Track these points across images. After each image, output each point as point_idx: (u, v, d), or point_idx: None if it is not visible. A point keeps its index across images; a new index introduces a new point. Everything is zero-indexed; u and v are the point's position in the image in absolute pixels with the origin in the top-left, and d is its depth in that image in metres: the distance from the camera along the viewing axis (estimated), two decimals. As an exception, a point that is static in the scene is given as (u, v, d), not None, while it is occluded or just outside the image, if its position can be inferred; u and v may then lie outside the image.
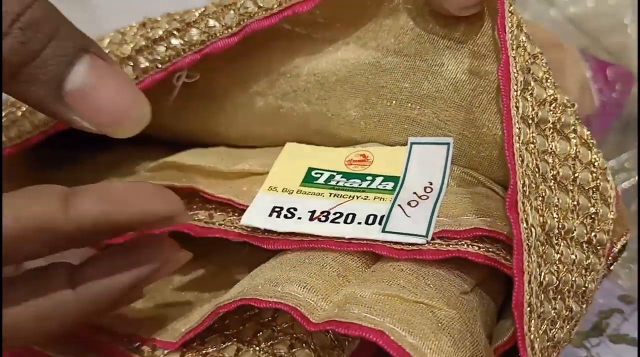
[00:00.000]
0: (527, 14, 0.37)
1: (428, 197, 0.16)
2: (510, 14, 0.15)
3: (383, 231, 0.15)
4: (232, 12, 0.17)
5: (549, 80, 0.16)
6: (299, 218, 0.16)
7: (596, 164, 0.16)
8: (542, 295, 0.13)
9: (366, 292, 0.13)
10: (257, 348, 0.14)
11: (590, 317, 0.20)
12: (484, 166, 0.16)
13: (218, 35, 0.17)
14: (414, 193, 0.16)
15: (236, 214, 0.17)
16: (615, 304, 0.21)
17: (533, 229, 0.13)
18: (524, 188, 0.13)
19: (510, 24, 0.15)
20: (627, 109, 0.33)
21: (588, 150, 0.16)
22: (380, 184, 0.16)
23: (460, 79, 0.16)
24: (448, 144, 0.16)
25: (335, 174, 0.17)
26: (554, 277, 0.13)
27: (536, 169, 0.14)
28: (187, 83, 0.19)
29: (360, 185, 0.16)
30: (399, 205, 0.16)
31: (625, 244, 0.16)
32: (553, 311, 0.13)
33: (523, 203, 0.13)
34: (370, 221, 0.15)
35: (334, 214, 0.15)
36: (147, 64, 0.18)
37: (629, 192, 0.30)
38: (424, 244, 0.14)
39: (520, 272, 0.12)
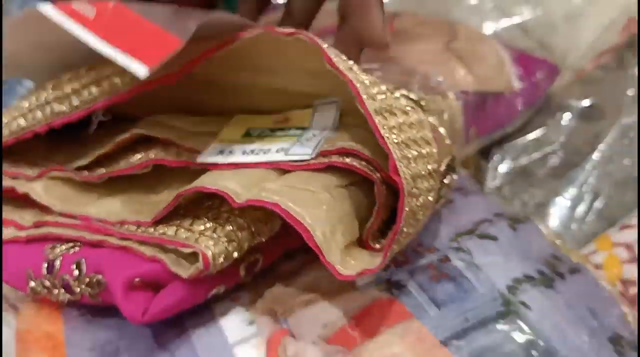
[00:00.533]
0: (482, 20, 0.44)
1: (321, 134, 0.22)
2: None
3: (285, 155, 0.21)
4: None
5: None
6: (235, 154, 0.22)
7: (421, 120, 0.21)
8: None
9: (273, 185, 0.19)
10: (206, 219, 0.20)
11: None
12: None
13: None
14: (312, 134, 0.22)
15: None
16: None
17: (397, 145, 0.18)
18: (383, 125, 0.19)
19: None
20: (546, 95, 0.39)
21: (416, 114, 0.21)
22: (292, 131, 0.23)
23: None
24: (337, 101, 0.23)
25: (265, 130, 0.23)
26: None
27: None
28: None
29: (279, 134, 0.23)
30: (299, 141, 0.22)
31: (448, 163, 0.21)
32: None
33: (387, 136, 0.19)
34: (278, 151, 0.21)
35: (258, 150, 0.22)
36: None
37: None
38: (310, 160, 0.20)
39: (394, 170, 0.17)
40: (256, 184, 0.20)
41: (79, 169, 0.24)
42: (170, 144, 0.23)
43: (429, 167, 0.19)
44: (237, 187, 0.20)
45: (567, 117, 0.37)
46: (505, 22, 0.44)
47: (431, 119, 0.22)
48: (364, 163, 0.20)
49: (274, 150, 0.21)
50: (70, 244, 0.22)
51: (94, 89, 0.23)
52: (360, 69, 0.20)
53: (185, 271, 0.19)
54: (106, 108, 0.23)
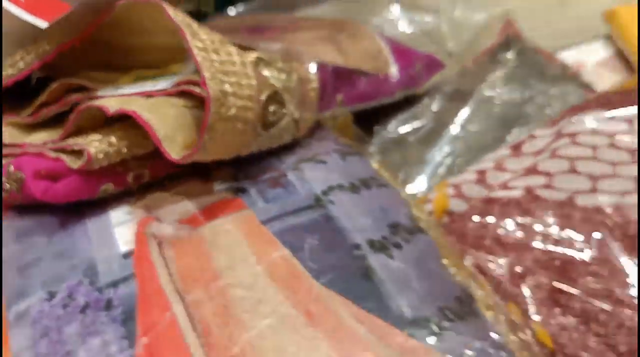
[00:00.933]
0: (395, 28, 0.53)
1: (184, 74, 0.30)
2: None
3: (153, 87, 0.29)
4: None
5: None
6: (123, 89, 0.30)
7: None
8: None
9: (137, 103, 0.27)
10: (99, 133, 0.28)
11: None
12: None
13: None
14: (179, 75, 0.30)
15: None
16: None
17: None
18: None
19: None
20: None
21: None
22: (168, 76, 0.31)
23: None
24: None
25: (150, 76, 0.31)
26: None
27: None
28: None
29: (159, 79, 0.31)
30: (166, 80, 0.30)
31: (269, 95, 0.29)
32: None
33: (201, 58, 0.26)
34: (151, 86, 0.29)
35: (138, 87, 0.30)
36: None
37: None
38: (168, 89, 0.28)
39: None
40: (128, 103, 0.28)
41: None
42: (88, 89, 0.31)
43: (245, 92, 0.27)
44: (114, 104, 0.28)
45: (438, 98, 0.45)
46: (414, 29, 0.53)
47: (268, 71, 0.30)
48: (199, 90, 0.28)
49: (148, 86, 0.29)
50: (9, 159, 0.30)
51: (32, 55, 0.32)
52: (201, 28, 0.28)
53: (76, 164, 0.27)
54: (40, 67, 0.32)
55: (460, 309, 0.25)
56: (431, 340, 0.23)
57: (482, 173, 0.36)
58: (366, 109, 0.42)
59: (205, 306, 0.24)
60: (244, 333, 0.23)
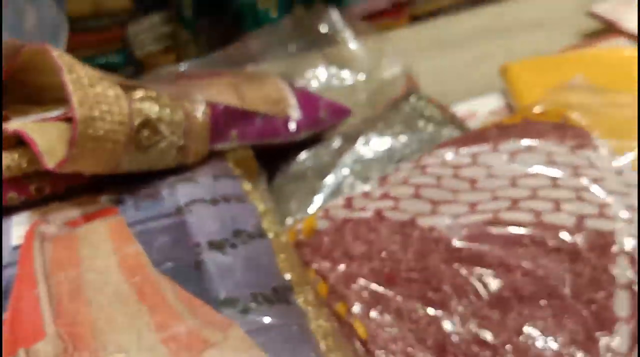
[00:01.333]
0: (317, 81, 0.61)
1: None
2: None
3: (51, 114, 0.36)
4: None
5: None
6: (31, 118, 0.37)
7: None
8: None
9: (29, 126, 0.34)
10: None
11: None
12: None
13: None
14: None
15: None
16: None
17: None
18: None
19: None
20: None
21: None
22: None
23: None
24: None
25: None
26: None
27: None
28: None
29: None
30: (59, 110, 0.37)
31: (142, 122, 0.36)
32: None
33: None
34: (49, 114, 0.37)
35: (46, 114, 0.37)
36: None
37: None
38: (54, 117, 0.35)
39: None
40: (24, 126, 0.35)
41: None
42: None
43: (115, 118, 0.34)
44: (14, 127, 0.35)
45: (338, 138, 0.52)
46: (336, 83, 0.61)
47: (148, 104, 0.37)
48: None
49: (47, 114, 0.36)
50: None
51: None
52: (82, 66, 0.35)
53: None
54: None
55: (273, 296, 0.31)
56: (236, 317, 0.29)
57: (349, 199, 0.42)
58: (272, 146, 0.49)
59: (63, 285, 0.30)
60: (87, 306, 0.29)
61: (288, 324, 0.29)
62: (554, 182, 0.39)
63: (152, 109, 0.37)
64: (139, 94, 0.37)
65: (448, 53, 0.69)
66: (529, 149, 0.42)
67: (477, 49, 0.68)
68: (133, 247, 0.32)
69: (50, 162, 0.32)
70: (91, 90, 0.33)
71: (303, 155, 0.51)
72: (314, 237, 0.40)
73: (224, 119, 0.44)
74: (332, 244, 0.38)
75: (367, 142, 0.51)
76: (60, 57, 0.33)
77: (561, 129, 0.43)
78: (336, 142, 0.52)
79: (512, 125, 0.45)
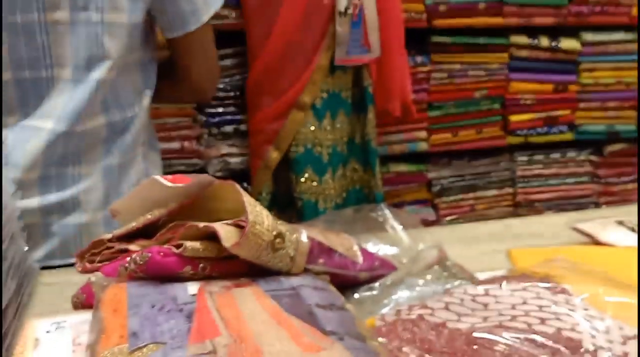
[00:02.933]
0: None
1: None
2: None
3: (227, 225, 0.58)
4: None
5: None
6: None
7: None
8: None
9: (217, 225, 0.56)
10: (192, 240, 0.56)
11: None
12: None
13: None
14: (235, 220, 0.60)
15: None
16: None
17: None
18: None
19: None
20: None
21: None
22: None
23: None
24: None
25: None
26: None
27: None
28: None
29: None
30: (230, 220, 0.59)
31: (276, 235, 0.57)
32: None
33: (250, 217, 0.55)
34: (225, 222, 0.59)
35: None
36: None
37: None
38: (231, 224, 0.57)
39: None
40: (211, 225, 0.56)
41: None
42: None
43: (265, 228, 0.56)
44: (204, 223, 0.56)
45: (387, 280, 0.72)
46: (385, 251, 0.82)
47: (282, 228, 0.59)
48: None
49: (223, 222, 0.58)
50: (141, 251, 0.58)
51: (162, 210, 0.63)
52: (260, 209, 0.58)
53: (177, 251, 0.55)
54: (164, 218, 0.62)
55: (357, 336, 0.48)
56: (336, 341, 0.46)
57: (399, 311, 0.61)
58: (342, 279, 0.69)
59: (229, 313, 0.49)
60: (245, 324, 0.47)
61: (368, 350, 0.47)
62: (541, 308, 0.58)
63: (282, 228, 0.59)
64: (282, 227, 0.59)
65: (472, 246, 0.91)
66: (524, 288, 0.61)
67: (491, 246, 0.90)
68: (269, 300, 0.51)
69: (227, 243, 0.54)
70: (256, 209, 0.56)
71: (363, 289, 0.70)
72: (380, 326, 0.58)
73: (317, 249, 0.65)
74: (387, 333, 0.56)
75: (408, 285, 0.71)
76: (240, 190, 0.57)
77: (546, 280, 0.63)
78: (388, 282, 0.71)
79: (513, 276, 0.65)
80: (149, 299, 0.52)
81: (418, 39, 1.69)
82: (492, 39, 1.71)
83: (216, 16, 1.45)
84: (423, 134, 1.79)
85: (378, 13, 1.38)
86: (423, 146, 1.80)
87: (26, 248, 0.74)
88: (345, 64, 1.40)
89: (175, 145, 1.55)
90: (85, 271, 0.64)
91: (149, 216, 0.63)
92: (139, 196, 0.65)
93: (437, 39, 1.68)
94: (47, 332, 0.58)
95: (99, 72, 0.91)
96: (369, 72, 1.46)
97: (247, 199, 0.57)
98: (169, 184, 0.61)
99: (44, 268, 0.79)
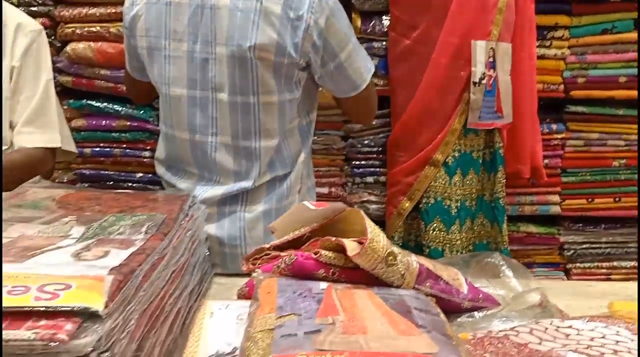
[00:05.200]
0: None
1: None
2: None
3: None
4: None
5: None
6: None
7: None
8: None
9: (345, 241, 0.74)
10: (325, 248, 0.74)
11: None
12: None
13: None
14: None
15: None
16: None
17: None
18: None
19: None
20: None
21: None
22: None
23: None
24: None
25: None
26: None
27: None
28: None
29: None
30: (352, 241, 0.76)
31: (387, 255, 0.72)
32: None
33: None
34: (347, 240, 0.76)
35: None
36: None
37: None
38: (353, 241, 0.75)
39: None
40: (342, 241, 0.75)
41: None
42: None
43: (380, 246, 0.72)
44: (336, 239, 0.75)
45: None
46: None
47: (395, 249, 0.75)
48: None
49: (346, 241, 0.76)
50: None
51: (306, 228, 0.83)
52: (378, 231, 0.75)
53: (315, 256, 0.74)
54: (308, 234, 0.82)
55: (442, 333, 0.62)
56: (416, 332, 0.61)
57: (490, 331, 0.73)
58: (446, 303, 0.82)
59: (347, 303, 0.66)
60: (358, 311, 0.64)
61: (450, 344, 0.61)
62: (617, 343, 0.67)
63: (395, 249, 0.75)
64: (395, 249, 0.76)
65: (580, 299, 0.98)
66: (607, 326, 0.70)
67: (599, 302, 0.96)
68: (378, 299, 0.67)
69: (350, 253, 0.71)
70: (375, 230, 0.73)
71: (465, 315, 0.83)
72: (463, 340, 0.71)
73: (425, 272, 0.80)
74: (474, 344, 0.69)
75: (506, 318, 0.82)
76: (364, 215, 0.75)
77: (631, 323, 0.71)
78: (489, 312, 0.83)
79: (600, 316, 0.74)
80: (292, 288, 0.71)
81: (554, 107, 1.77)
82: (631, 111, 1.73)
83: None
84: (556, 198, 1.83)
85: (512, 83, 1.51)
86: (555, 210, 1.83)
87: (207, 253, 0.98)
88: (477, 128, 1.54)
89: (324, 190, 1.78)
90: (249, 270, 0.85)
91: (296, 232, 0.83)
92: (291, 216, 0.86)
93: (574, 108, 1.75)
94: (219, 309, 0.79)
95: (253, 142, 1.20)
96: (501, 135, 1.58)
97: (369, 222, 0.75)
98: (313, 207, 0.81)
99: (216, 275, 1.03)
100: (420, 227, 1.64)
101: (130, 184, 1.73)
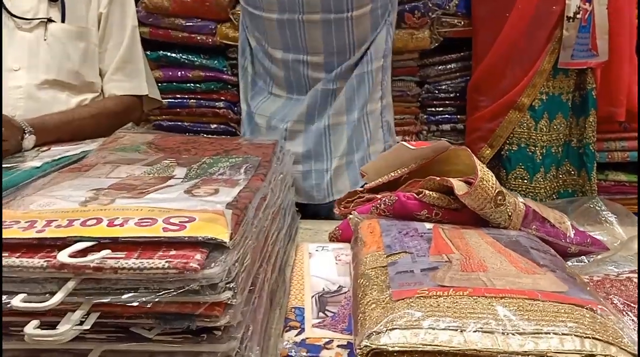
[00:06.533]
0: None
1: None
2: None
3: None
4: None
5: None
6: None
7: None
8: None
9: (453, 180, 0.71)
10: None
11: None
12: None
13: None
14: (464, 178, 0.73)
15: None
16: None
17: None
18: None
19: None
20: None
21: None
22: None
23: None
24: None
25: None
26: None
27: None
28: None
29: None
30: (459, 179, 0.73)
31: (497, 194, 0.68)
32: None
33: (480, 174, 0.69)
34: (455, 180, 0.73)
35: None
36: None
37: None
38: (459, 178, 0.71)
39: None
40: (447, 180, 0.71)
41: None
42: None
43: (489, 185, 0.68)
44: (438, 180, 0.72)
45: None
46: None
47: (502, 189, 0.71)
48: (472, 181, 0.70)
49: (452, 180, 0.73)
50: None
51: (404, 169, 0.80)
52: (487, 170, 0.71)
53: (418, 196, 0.71)
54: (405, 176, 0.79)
55: (566, 272, 0.59)
56: (540, 271, 0.58)
57: (607, 274, 0.69)
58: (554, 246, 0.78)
59: (460, 242, 0.63)
60: (471, 249, 0.61)
61: (578, 283, 0.57)
62: None
63: (504, 189, 0.71)
64: (500, 188, 0.72)
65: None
66: None
67: None
68: (490, 238, 0.64)
69: (459, 192, 0.68)
70: (482, 168, 0.69)
71: (573, 260, 0.79)
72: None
73: (532, 215, 0.76)
74: (594, 287, 0.65)
75: (617, 264, 0.77)
76: (472, 155, 0.71)
77: None
78: (599, 257, 0.79)
79: None
80: (397, 228, 0.69)
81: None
82: None
83: (447, 24, 1.63)
84: (649, 143, 1.71)
85: (609, 18, 1.39)
86: (648, 156, 1.72)
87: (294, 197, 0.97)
88: (569, 67, 1.44)
89: (397, 139, 1.74)
90: (342, 213, 0.84)
91: (393, 174, 0.81)
92: (386, 158, 0.83)
93: (674, 45, 1.60)
94: (316, 250, 0.78)
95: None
96: (594, 76, 1.47)
97: (478, 161, 0.71)
98: (412, 147, 0.78)
99: (302, 220, 1.02)
100: (501, 176, 1.57)
101: (205, 135, 1.74)
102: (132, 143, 0.84)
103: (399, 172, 0.80)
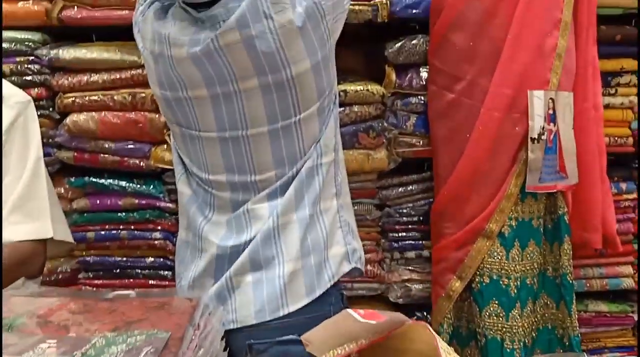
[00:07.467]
0: None
1: None
2: None
3: None
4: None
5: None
6: None
7: None
8: None
9: None
10: None
11: None
12: None
13: None
14: None
15: None
16: None
17: None
18: None
19: None
20: None
21: None
22: None
23: None
24: None
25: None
26: None
27: None
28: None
29: None
30: None
31: None
32: None
33: None
34: None
35: None
36: None
37: None
38: None
39: None
40: None
41: None
42: None
43: None
44: None
45: None
46: None
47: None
48: None
49: None
50: None
51: (353, 345, 0.60)
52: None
53: None
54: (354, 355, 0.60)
55: None
56: None
57: None
58: None
59: None
60: None
61: None
62: None
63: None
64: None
65: None
66: None
67: None
68: None
69: None
70: (446, 349, 0.51)
71: None
72: None
73: None
74: None
75: None
76: (434, 333, 0.53)
77: None
78: None
79: None
80: None
81: (622, 164, 1.54)
82: None
83: (405, 144, 1.51)
84: (628, 269, 1.58)
85: (576, 138, 1.30)
86: (628, 283, 1.58)
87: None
88: (537, 191, 1.31)
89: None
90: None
91: (339, 351, 0.61)
92: (331, 327, 0.64)
93: (644, 164, 1.52)
94: None
95: None
96: (565, 199, 1.35)
97: (442, 344, 0.53)
98: (361, 319, 0.59)
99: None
100: (474, 312, 1.38)
101: (139, 271, 1.53)
102: (12, 313, 0.68)
103: (347, 349, 0.61)
